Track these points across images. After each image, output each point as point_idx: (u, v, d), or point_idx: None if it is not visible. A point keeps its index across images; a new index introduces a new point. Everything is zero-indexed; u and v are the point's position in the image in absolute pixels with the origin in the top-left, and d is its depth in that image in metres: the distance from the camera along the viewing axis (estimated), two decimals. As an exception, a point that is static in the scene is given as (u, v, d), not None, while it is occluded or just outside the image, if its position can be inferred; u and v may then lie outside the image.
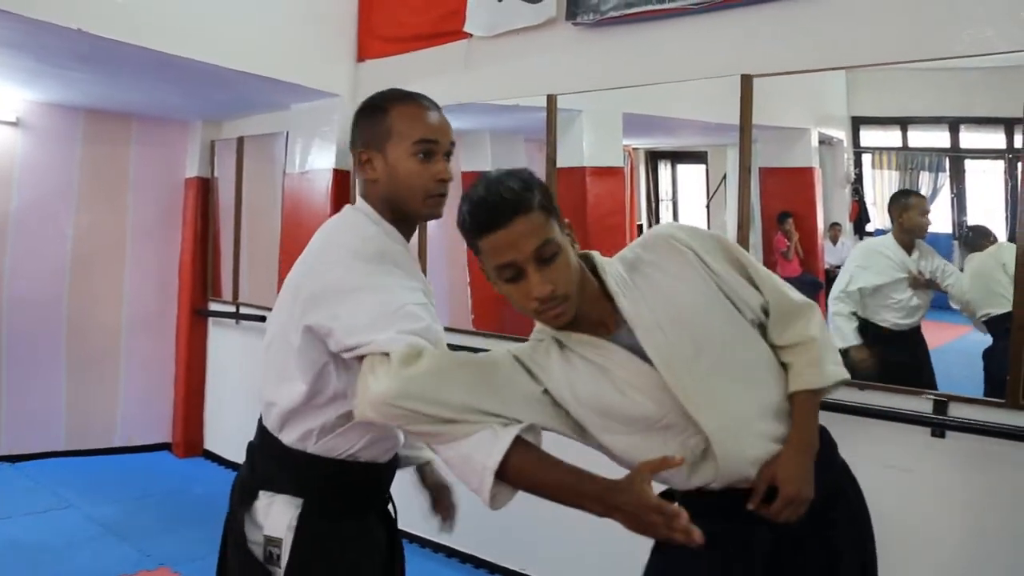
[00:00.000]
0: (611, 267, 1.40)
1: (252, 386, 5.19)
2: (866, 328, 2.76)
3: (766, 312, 1.42)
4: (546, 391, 1.39)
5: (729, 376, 1.35)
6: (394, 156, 1.50)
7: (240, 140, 4.95)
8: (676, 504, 1.19)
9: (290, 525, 1.49)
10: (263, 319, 4.63)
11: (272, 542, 1.49)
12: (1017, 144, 2.27)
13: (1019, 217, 2.20)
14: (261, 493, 1.53)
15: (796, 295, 1.44)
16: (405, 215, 1.54)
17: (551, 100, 3.27)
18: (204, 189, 5.22)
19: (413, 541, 3.62)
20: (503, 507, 1.32)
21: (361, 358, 1.35)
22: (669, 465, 1.22)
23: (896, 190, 2.85)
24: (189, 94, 4.36)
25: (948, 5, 2.29)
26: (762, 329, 1.42)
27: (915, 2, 2.35)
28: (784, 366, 1.43)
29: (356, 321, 1.35)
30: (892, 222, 2.74)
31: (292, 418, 1.50)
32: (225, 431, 5.12)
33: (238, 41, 3.60)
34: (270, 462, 1.55)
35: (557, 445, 1.38)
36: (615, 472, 1.29)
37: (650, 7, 2.88)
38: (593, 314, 1.37)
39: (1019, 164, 2.25)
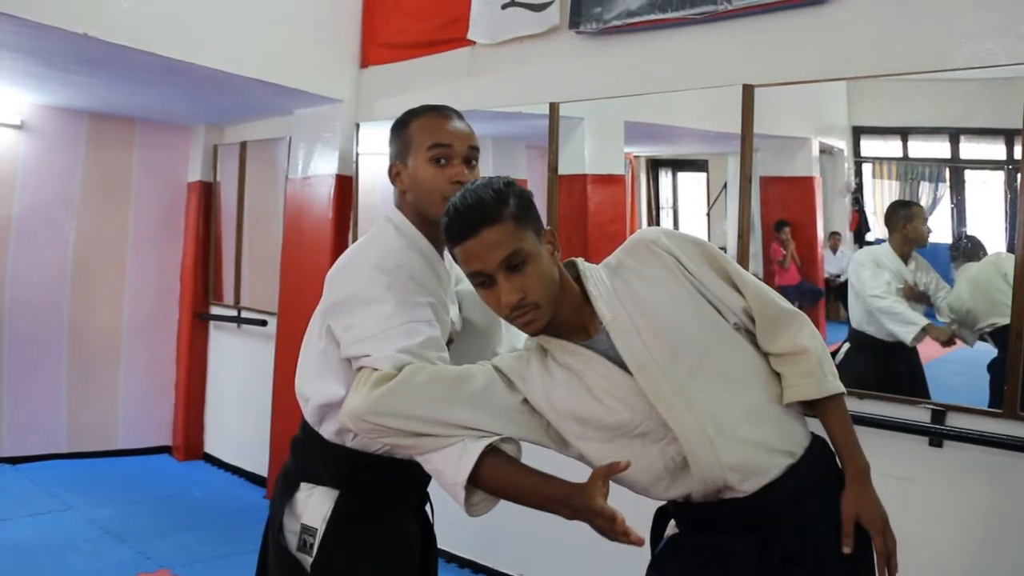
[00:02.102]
0: (594, 273, 1.42)
1: (252, 390, 5.16)
2: (859, 337, 2.75)
3: (751, 317, 1.41)
4: (525, 401, 1.42)
5: (708, 381, 1.34)
6: (414, 165, 1.58)
7: (243, 145, 4.97)
8: (618, 510, 1.21)
9: (325, 516, 1.55)
10: (264, 323, 4.65)
11: (307, 531, 1.56)
12: (1017, 155, 2.27)
13: (1018, 228, 2.21)
14: (302, 485, 1.60)
15: (783, 303, 1.42)
16: (431, 221, 1.57)
17: (553, 108, 3.28)
18: (206, 193, 5.23)
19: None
20: (484, 514, 1.38)
21: (360, 369, 1.43)
22: (617, 471, 1.25)
23: (895, 200, 2.85)
24: (193, 99, 4.37)
25: (948, 17, 2.31)
26: (749, 334, 1.42)
27: (915, 14, 2.37)
28: (777, 374, 1.42)
29: (362, 333, 1.43)
30: (891, 232, 2.73)
31: (329, 413, 1.56)
32: (225, 435, 5.13)
33: (242, 46, 3.62)
34: (311, 455, 1.62)
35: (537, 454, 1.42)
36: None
37: (652, 17, 2.89)
38: (575, 320, 1.39)
39: (1019, 175, 2.25)
